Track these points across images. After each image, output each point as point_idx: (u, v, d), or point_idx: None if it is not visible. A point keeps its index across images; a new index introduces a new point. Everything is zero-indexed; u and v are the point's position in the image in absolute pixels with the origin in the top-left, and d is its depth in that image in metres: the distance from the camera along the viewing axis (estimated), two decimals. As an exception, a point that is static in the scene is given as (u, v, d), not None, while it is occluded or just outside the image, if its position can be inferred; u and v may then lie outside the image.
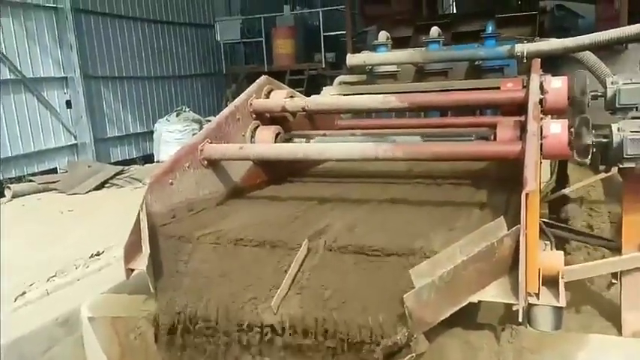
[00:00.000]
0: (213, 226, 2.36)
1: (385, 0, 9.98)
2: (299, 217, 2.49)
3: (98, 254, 4.00)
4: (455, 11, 13.84)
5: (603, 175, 3.12)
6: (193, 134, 9.65)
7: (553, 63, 4.85)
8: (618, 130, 2.30)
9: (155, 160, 11.01)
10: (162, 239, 2.25)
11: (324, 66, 13.24)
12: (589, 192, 4.31)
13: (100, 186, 7.88)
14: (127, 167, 9.15)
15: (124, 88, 12.02)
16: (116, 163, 10.31)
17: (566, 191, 3.80)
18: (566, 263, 2.24)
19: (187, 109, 11.58)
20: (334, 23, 14.11)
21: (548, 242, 2.69)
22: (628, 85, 2.38)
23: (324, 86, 5.05)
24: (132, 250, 2.17)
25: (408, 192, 2.84)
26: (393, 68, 5.13)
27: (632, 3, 9.68)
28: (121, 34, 11.90)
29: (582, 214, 4.15)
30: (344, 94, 4.47)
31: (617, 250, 2.78)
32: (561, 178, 4.15)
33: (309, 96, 4.05)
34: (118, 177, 8.18)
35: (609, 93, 2.45)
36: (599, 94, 2.56)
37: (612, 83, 2.45)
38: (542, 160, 2.56)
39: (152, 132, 11.57)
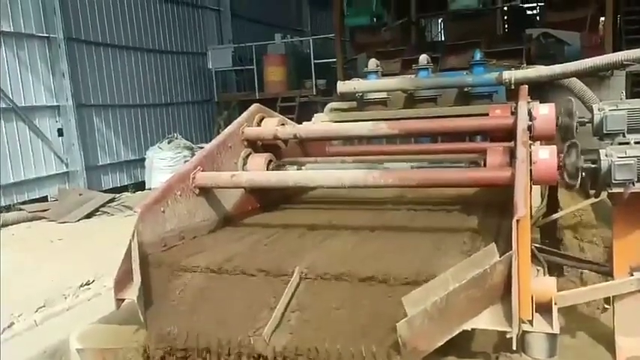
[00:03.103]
0: (205, 255, 2.34)
1: (375, 28, 10.17)
2: (291, 245, 2.48)
3: (88, 284, 3.96)
4: (443, 39, 14.06)
5: (593, 199, 3.14)
6: (185, 161, 9.68)
7: (541, 90, 4.94)
8: (606, 155, 2.33)
9: (147, 188, 10.99)
10: (152, 268, 2.23)
11: (315, 93, 13.38)
12: (580, 216, 4.34)
13: (91, 214, 7.84)
14: (118, 195, 9.13)
15: (116, 115, 12.06)
16: (107, 191, 10.28)
17: (557, 216, 3.82)
18: (559, 288, 2.24)
19: (179, 137, 11.62)
20: (325, 50, 14.31)
21: (540, 268, 2.69)
22: (614, 112, 2.42)
23: (316, 112, 5.09)
24: (122, 279, 2.14)
25: (400, 218, 2.85)
26: (383, 95, 5.18)
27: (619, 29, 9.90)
28: (114, 63, 11.99)
29: (574, 238, 4.18)
30: (335, 121, 4.52)
31: (609, 274, 2.78)
32: (552, 203, 4.17)
33: (301, 122, 4.08)
34: (109, 205, 8.16)
35: (596, 119, 2.49)
36: (586, 120, 2.60)
37: (599, 110, 2.49)
38: (533, 185, 2.59)
39: (144, 159, 11.58)
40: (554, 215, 3.80)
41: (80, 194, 8.97)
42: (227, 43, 15.61)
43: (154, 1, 13.32)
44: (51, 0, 10.19)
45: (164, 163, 10.83)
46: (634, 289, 2.53)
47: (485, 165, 2.64)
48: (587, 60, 3.75)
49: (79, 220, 7.48)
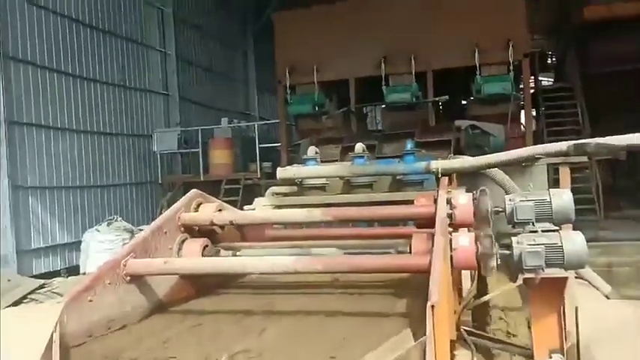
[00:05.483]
0: (130, 346, 2.30)
1: (317, 116, 10.65)
2: (223, 333, 2.47)
3: (7, 379, 3.70)
4: (381, 128, 14.80)
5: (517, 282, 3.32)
6: (124, 244, 9.44)
7: (473, 176, 5.27)
8: (517, 243, 2.51)
9: (81, 272, 10.55)
10: (75, 361, 2.17)
11: (259, 176, 13.57)
12: (508, 299, 4.51)
13: (19, 301, 7.41)
14: (49, 280, 8.71)
15: (54, 197, 11.73)
16: (39, 276, 9.80)
17: (485, 299, 3.96)
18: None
19: (119, 219, 11.37)
20: (272, 134, 14.71)
21: (469, 351, 2.78)
22: (523, 203, 2.63)
23: (260, 195, 5.20)
24: (42, 374, 2.07)
25: (333, 303, 2.90)
26: (322, 180, 5.38)
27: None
28: (55, 145, 11.84)
29: (502, 320, 4.32)
30: (275, 205, 4.63)
31: (531, 357, 2.89)
32: (482, 286, 4.34)
33: (244, 204, 4.17)
34: (38, 291, 7.75)
35: (508, 209, 2.69)
36: (500, 209, 2.81)
37: (510, 200, 2.70)
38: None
39: (80, 242, 11.19)
40: (482, 298, 3.94)
41: (9, 280, 8.49)
42: (174, 125, 15.79)
43: (100, 84, 13.45)
44: (-8, 83, 10.15)
45: (102, 246, 10.49)
46: (554, 372, 2.64)
47: (410, 250, 2.78)
48: (506, 152, 4.08)
49: (5, 308, 7.04)
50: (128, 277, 2.69)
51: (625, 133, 3.44)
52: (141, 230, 7.50)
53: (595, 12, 11.51)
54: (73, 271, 11.09)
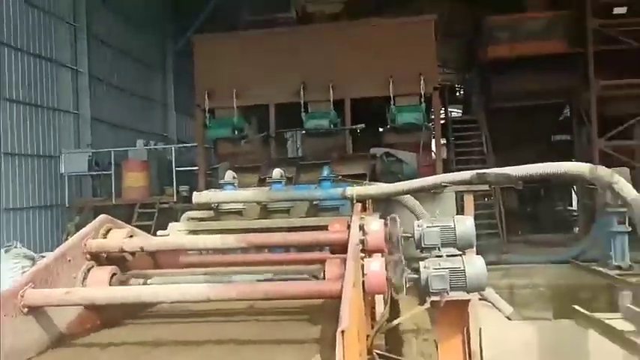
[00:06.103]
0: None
1: (236, 140, 10.61)
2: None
3: None
4: (301, 154, 14.98)
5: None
6: (23, 273, 8.80)
7: (387, 202, 5.46)
8: (425, 267, 2.64)
9: (-27, 304, 9.69)
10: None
11: (176, 200, 13.24)
12: (421, 321, 4.67)
13: None
14: None
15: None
16: None
17: (396, 322, 4.08)
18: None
19: (19, 245, 10.58)
20: (191, 157, 14.41)
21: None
22: (429, 229, 2.78)
23: (176, 219, 5.09)
24: None
25: (247, 330, 2.88)
26: (239, 205, 5.36)
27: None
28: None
29: (416, 343, 4.46)
30: (190, 230, 4.54)
31: (440, 378, 3.00)
32: (394, 309, 4.46)
33: (159, 229, 4.06)
34: None
35: (416, 234, 2.82)
36: (410, 235, 2.94)
37: (418, 226, 2.84)
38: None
39: (-26, 271, 10.29)
40: (394, 321, 4.05)
41: None
42: (85, 146, 15.07)
43: (4, 101, 12.61)
44: None
45: (-2, 275, 9.70)
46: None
47: (324, 276, 2.82)
48: (418, 180, 4.30)
49: None
50: (26, 309, 2.52)
51: (524, 164, 3.74)
52: (43, 257, 7.07)
53: (497, 51, 12.47)
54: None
